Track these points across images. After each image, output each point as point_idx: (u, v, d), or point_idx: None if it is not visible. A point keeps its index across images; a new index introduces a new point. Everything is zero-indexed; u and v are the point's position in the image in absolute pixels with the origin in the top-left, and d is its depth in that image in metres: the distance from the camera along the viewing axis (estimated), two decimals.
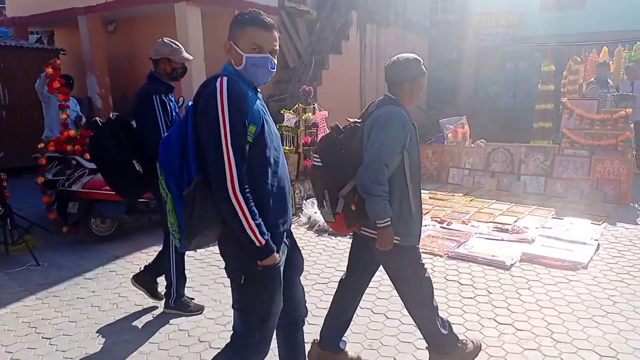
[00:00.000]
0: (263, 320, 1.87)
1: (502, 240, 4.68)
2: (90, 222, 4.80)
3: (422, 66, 2.42)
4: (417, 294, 2.51)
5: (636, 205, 5.84)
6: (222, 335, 3.03)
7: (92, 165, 4.90)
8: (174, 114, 3.12)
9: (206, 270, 4.09)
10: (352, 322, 3.14)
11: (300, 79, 8.48)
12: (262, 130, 1.80)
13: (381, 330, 3.07)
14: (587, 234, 4.75)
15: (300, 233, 5.04)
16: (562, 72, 8.58)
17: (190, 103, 1.82)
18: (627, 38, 9.15)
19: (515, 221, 5.24)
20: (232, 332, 1.95)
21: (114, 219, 4.86)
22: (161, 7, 7.81)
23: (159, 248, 4.56)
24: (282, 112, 6.17)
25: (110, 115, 3.16)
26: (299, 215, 5.47)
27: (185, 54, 3.17)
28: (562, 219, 5.32)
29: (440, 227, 5.13)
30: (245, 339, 1.90)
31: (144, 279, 3.48)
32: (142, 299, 3.55)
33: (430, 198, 6.40)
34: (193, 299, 3.49)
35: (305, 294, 3.60)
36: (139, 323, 3.24)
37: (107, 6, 8.42)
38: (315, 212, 5.30)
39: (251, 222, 1.70)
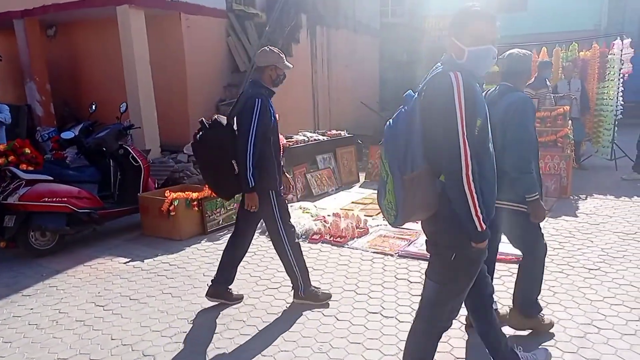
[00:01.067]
0: (459, 293, 2.12)
1: None
2: (29, 235, 4.56)
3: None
4: (540, 253, 2.93)
5: (575, 198, 6.13)
6: (168, 348, 2.94)
7: (29, 176, 4.66)
8: (273, 118, 3.27)
9: (153, 281, 3.97)
10: (302, 326, 3.15)
11: None
12: (485, 122, 1.97)
13: (331, 332, 3.06)
14: None
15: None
16: None
17: (413, 94, 2.02)
18: (565, 39, 9.59)
19: None
20: (422, 306, 2.20)
21: (54, 231, 4.64)
22: (103, 10, 7.55)
23: (104, 260, 4.42)
24: None
25: (216, 117, 3.23)
26: None
27: (287, 62, 3.34)
28: None
29: None
30: (439, 309, 2.14)
31: (218, 291, 3.47)
32: (83, 314, 3.40)
33: None
34: (318, 288, 3.54)
35: (257, 299, 3.58)
36: (79, 339, 3.09)
37: (45, 10, 8.05)
38: None
39: (478, 210, 1.88)
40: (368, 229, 5.04)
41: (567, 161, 6.44)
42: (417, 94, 2.02)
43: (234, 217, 5.37)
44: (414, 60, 16.11)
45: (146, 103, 7.39)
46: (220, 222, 5.28)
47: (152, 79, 7.59)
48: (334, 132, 7.98)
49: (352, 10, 11.84)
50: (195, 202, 5.05)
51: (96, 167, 5.47)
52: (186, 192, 5.08)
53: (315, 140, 7.33)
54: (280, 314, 3.33)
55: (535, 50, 9.34)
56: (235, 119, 3.20)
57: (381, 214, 2.21)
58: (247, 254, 4.45)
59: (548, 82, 7.55)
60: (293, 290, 3.48)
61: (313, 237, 4.86)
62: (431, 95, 1.94)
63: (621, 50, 7.97)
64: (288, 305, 3.46)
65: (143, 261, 4.43)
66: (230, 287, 3.55)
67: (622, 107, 8.09)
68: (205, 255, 4.53)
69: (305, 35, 9.78)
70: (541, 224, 2.91)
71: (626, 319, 3.07)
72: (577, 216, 5.37)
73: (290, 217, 3.48)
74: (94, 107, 5.96)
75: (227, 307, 3.44)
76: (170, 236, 4.97)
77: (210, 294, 3.48)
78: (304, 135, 7.32)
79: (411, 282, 3.77)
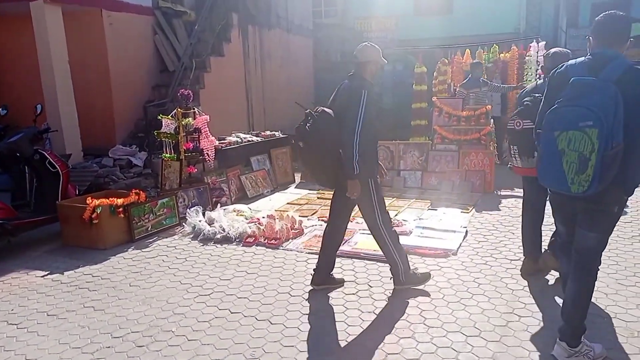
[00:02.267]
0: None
1: None
2: None
3: None
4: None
5: (498, 193, 6.47)
6: None
7: None
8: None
9: (73, 295, 3.72)
10: (235, 333, 3.07)
11: (181, 83, 8.14)
12: None
13: (264, 337, 3.01)
14: (457, 222, 5.15)
15: (184, 244, 4.81)
16: (433, 72, 9.25)
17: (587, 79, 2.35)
18: (487, 41, 10.12)
19: (396, 215, 5.51)
20: (583, 261, 2.56)
21: None
22: (16, 5, 6.99)
23: (19, 274, 4.10)
24: (159, 117, 5.85)
25: (323, 109, 3.31)
26: (183, 225, 5.22)
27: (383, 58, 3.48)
28: (436, 209, 5.72)
29: None
30: (597, 257, 2.59)
31: (322, 278, 3.63)
32: None
33: (318, 198, 6.51)
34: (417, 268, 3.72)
35: (188, 307, 3.46)
36: None
37: None
38: (200, 221, 5.11)
39: None
40: (303, 230, 5.03)
41: (490, 158, 6.79)
42: (603, 81, 2.29)
43: (164, 222, 5.21)
44: (347, 61, 16.37)
45: (65, 105, 6.93)
46: (150, 229, 5.06)
47: (73, 79, 7.13)
48: (268, 133, 7.90)
49: (285, 10, 11.81)
50: (120, 209, 4.80)
51: (9, 174, 5.07)
52: (110, 198, 4.81)
53: (248, 141, 7.23)
54: (210, 322, 3.23)
55: (460, 52, 9.79)
56: (335, 109, 3.32)
57: (573, 186, 2.36)
58: (178, 261, 4.35)
59: (483, 80, 7.84)
60: (393, 277, 3.58)
61: (247, 240, 4.78)
62: (636, 87, 2.27)
63: (537, 52, 8.53)
64: (220, 312, 3.37)
65: (63, 274, 4.15)
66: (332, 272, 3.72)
67: None
68: (132, 264, 4.31)
69: (236, 34, 9.62)
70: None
71: (544, 305, 3.26)
72: (500, 210, 5.66)
73: (385, 205, 3.56)
74: (5, 110, 5.52)
75: (153, 319, 3.29)
76: (93, 246, 4.69)
77: (316, 283, 3.63)
78: (237, 137, 7.20)
79: (345, 281, 3.79)
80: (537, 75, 8.44)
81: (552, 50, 3.55)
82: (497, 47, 9.37)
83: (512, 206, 5.76)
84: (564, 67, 2.54)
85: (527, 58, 8.64)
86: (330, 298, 3.52)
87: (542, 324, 3.04)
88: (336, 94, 3.46)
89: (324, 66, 15.30)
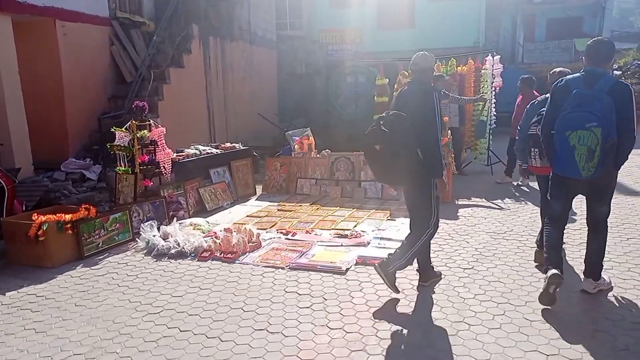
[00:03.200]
0: None
1: (342, 245, 4.88)
2: None
3: None
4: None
5: (456, 202, 6.57)
6: None
7: None
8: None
9: (14, 317, 3.53)
10: (183, 352, 2.98)
11: (139, 94, 7.97)
12: None
13: (213, 355, 2.93)
14: None
15: (136, 260, 4.67)
16: (394, 85, 9.38)
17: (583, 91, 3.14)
18: (447, 55, 10.35)
19: (355, 226, 5.52)
20: (601, 223, 3.45)
21: None
22: None
23: None
24: (112, 130, 5.69)
25: (396, 111, 3.47)
26: (137, 241, 5.07)
27: None
28: (395, 220, 5.76)
29: (285, 238, 5.18)
30: (607, 218, 3.43)
31: (427, 274, 3.80)
32: None
33: (278, 210, 6.46)
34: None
35: (135, 327, 3.34)
36: None
37: None
38: (154, 236, 4.97)
39: None
40: (260, 243, 4.97)
41: (448, 168, 6.89)
42: (591, 90, 3.11)
43: (117, 238, 5.04)
44: (312, 73, 16.48)
45: (15, 117, 6.66)
46: (100, 245, 4.88)
47: (24, 90, 6.87)
48: (228, 145, 7.81)
49: (247, 22, 11.80)
50: (68, 225, 4.62)
51: None
52: (58, 214, 4.63)
53: (208, 153, 7.12)
54: (158, 341, 3.12)
55: None
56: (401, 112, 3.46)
57: (584, 172, 3.13)
58: (129, 278, 4.20)
59: (444, 92, 7.96)
60: (382, 261, 3.61)
61: (202, 255, 4.68)
62: (623, 96, 3.07)
63: (492, 66, 8.78)
64: (168, 330, 3.26)
65: (5, 294, 3.94)
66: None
67: (495, 118, 8.88)
68: (80, 283, 4.14)
69: (197, 45, 9.53)
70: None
71: (493, 314, 3.31)
72: (457, 219, 5.75)
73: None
74: None
75: (97, 340, 3.15)
76: (40, 264, 4.49)
77: (424, 280, 3.78)
78: (196, 149, 7.08)
79: (300, 295, 3.75)
80: (493, 88, 8.69)
81: (557, 69, 4.31)
82: (455, 60, 9.60)
83: (469, 215, 5.86)
84: (564, 81, 3.29)
85: (482, 71, 8.88)
86: (285, 313, 3.47)
87: (490, 331, 3.07)
88: (399, 99, 3.65)
89: (289, 78, 15.34)
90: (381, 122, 3.41)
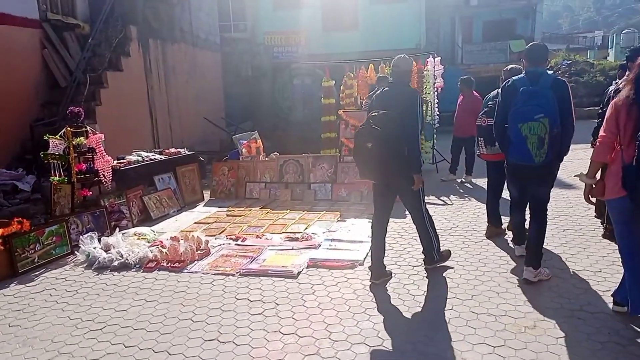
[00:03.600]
0: None
1: (292, 249, 4.84)
2: None
3: None
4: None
5: None
6: None
7: None
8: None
9: None
10: None
11: (74, 99, 7.58)
12: None
13: None
14: (365, 232, 5.23)
15: (76, 274, 4.41)
16: (340, 86, 9.46)
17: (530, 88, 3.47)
18: (391, 56, 10.56)
19: (306, 228, 5.49)
20: (540, 210, 3.72)
21: None
22: None
23: None
24: (46, 137, 5.37)
25: (384, 111, 3.66)
26: (76, 254, 4.80)
27: None
28: (345, 221, 5.79)
29: (235, 244, 5.08)
30: (547, 203, 3.77)
31: (379, 272, 3.91)
32: None
33: (227, 215, 6.33)
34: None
35: (76, 345, 3.15)
36: None
37: None
38: (95, 248, 4.73)
39: None
40: (209, 250, 4.84)
41: None
42: (536, 87, 3.45)
43: (54, 252, 4.75)
44: (258, 75, 16.34)
45: None
46: (36, 260, 4.58)
47: None
48: (172, 150, 7.58)
49: (190, 24, 11.52)
50: (0, 240, 4.30)
51: None
52: None
53: (151, 159, 6.87)
54: (102, 358, 2.96)
55: (364, 67, 10.12)
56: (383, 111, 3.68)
57: (536, 158, 3.45)
58: (68, 294, 3.97)
59: None
60: (426, 257, 4.09)
61: (148, 265, 4.50)
62: (562, 91, 3.44)
63: (434, 67, 9.05)
64: (112, 347, 3.10)
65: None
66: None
67: (438, 117, 9.16)
68: (14, 302, 3.86)
69: (136, 48, 9.19)
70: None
71: (441, 307, 3.38)
72: (405, 217, 5.82)
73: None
74: None
75: None
76: None
77: (375, 278, 3.88)
78: (139, 156, 6.82)
79: (251, 301, 3.68)
80: (435, 89, 8.95)
81: (509, 66, 4.59)
82: None
83: None
84: (511, 82, 3.66)
85: (425, 72, 9.13)
86: (236, 321, 3.39)
87: (439, 325, 3.14)
88: (382, 99, 3.87)
89: (235, 81, 15.13)
90: (371, 121, 3.59)
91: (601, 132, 3.01)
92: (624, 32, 33.21)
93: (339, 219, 5.89)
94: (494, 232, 4.89)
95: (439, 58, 9.26)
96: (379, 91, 4.15)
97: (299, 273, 4.17)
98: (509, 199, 4.24)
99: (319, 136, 9.28)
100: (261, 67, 16.37)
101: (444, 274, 4.00)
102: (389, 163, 3.61)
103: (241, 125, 12.33)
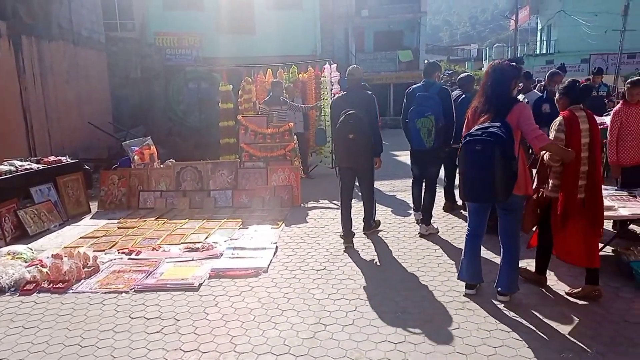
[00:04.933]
0: None
1: (193, 260, 4.62)
2: None
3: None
4: None
5: (306, 205, 6.75)
6: None
7: None
8: None
9: None
10: None
11: None
12: None
13: None
14: (268, 238, 5.18)
15: None
16: (238, 91, 9.31)
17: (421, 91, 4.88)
18: (288, 62, 10.62)
19: (206, 238, 5.29)
20: (431, 181, 5.15)
21: None
22: None
23: None
24: None
25: (353, 111, 4.66)
26: None
27: None
28: (247, 228, 5.67)
29: (128, 258, 4.72)
30: (437, 178, 5.18)
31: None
32: None
33: (119, 228, 5.87)
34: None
35: None
36: None
37: None
38: None
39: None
40: (99, 267, 4.45)
41: (296, 172, 7.07)
42: (427, 93, 4.82)
43: None
44: (149, 77, 15.48)
45: None
46: None
47: None
48: (52, 158, 6.86)
49: (69, 20, 10.55)
50: None
51: None
52: None
53: (27, 169, 6.15)
54: None
55: (262, 71, 10.08)
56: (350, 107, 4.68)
57: (427, 144, 4.78)
58: (24, 317, 3.41)
59: (283, 99, 8.13)
60: (365, 225, 5.22)
61: (25, 288, 4.00)
62: (445, 96, 4.85)
63: (330, 74, 9.27)
64: None
65: None
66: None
67: None
68: None
69: (6, 46, 8.18)
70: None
71: (346, 311, 3.45)
72: (307, 222, 5.89)
73: None
74: None
75: None
76: None
77: (367, 229, 5.23)
78: (12, 165, 6.06)
79: (148, 319, 3.44)
80: (332, 95, 9.16)
81: (464, 74, 6.14)
82: (296, 67, 9.91)
83: (318, 217, 6.07)
84: (412, 89, 5.04)
85: (322, 79, 9.32)
86: (131, 342, 3.14)
87: (344, 329, 3.19)
88: (347, 101, 4.82)
89: (123, 83, 14.19)
90: (349, 120, 4.54)
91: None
92: (495, 46, 37.20)
93: (240, 227, 5.75)
94: (449, 207, 6.08)
95: (335, 65, 9.51)
96: (336, 96, 5.67)
97: (200, 285, 3.99)
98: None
99: (217, 142, 9.05)
100: (152, 68, 15.53)
101: (349, 276, 4.08)
102: (363, 149, 4.64)
103: (132, 131, 11.57)
